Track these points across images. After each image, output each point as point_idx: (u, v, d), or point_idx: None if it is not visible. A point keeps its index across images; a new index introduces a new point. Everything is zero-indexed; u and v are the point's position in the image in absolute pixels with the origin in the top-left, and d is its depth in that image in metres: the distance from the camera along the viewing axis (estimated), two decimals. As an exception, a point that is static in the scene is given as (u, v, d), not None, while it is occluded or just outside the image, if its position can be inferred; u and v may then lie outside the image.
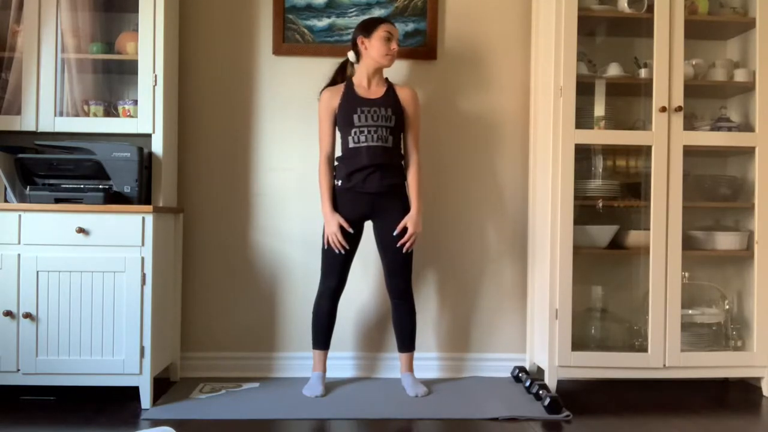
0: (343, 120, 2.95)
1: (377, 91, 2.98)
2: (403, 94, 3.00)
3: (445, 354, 3.34)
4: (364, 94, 2.97)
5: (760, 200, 3.06)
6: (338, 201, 2.97)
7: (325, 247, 2.96)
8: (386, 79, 3.04)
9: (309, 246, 3.26)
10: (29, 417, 2.66)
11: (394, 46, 2.96)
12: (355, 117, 2.91)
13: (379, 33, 2.94)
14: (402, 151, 3.02)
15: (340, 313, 3.07)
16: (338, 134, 3.00)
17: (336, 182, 2.98)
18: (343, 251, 2.94)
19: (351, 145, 2.93)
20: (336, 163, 3.01)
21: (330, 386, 3.05)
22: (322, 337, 3.02)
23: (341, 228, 2.92)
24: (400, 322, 3.03)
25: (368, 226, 3.03)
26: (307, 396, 2.93)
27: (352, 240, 2.97)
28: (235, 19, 3.30)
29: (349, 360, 3.30)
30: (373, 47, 2.94)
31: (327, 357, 3.05)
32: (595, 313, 3.20)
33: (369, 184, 2.92)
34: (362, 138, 2.91)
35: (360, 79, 3.00)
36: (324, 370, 3.04)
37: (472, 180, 3.36)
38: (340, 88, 3.00)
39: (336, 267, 2.97)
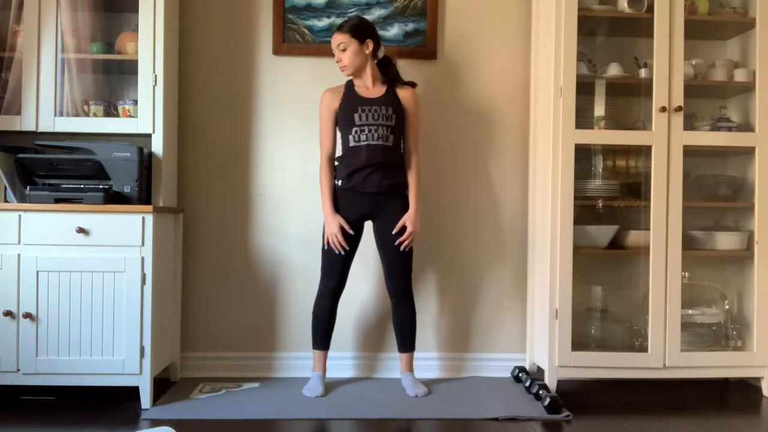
0: (344, 119, 2.95)
1: (378, 91, 2.98)
2: (404, 94, 3.00)
3: (445, 354, 3.34)
4: (364, 93, 2.97)
5: (760, 200, 3.06)
6: (339, 201, 2.97)
7: (325, 247, 2.96)
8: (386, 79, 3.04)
9: (309, 246, 3.26)
10: (29, 417, 2.66)
11: (337, 56, 2.96)
12: (356, 116, 2.92)
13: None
14: (402, 151, 3.02)
15: (340, 313, 3.07)
16: (339, 134, 3.01)
17: (336, 182, 2.98)
18: (343, 252, 2.94)
19: (351, 143, 2.93)
20: (336, 163, 3.01)
21: (330, 386, 3.05)
22: (322, 337, 3.02)
23: (341, 228, 2.92)
24: (400, 322, 3.03)
25: (368, 226, 3.04)
26: (307, 396, 2.93)
27: (353, 240, 2.97)
28: (235, 19, 3.30)
29: (349, 360, 3.30)
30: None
31: (327, 357, 3.05)
32: (595, 313, 3.20)
33: (369, 183, 2.92)
34: (363, 137, 2.91)
35: (360, 79, 3.00)
36: (324, 370, 3.04)
37: (472, 180, 3.36)
38: (341, 88, 3.00)
39: (336, 267, 2.97)
